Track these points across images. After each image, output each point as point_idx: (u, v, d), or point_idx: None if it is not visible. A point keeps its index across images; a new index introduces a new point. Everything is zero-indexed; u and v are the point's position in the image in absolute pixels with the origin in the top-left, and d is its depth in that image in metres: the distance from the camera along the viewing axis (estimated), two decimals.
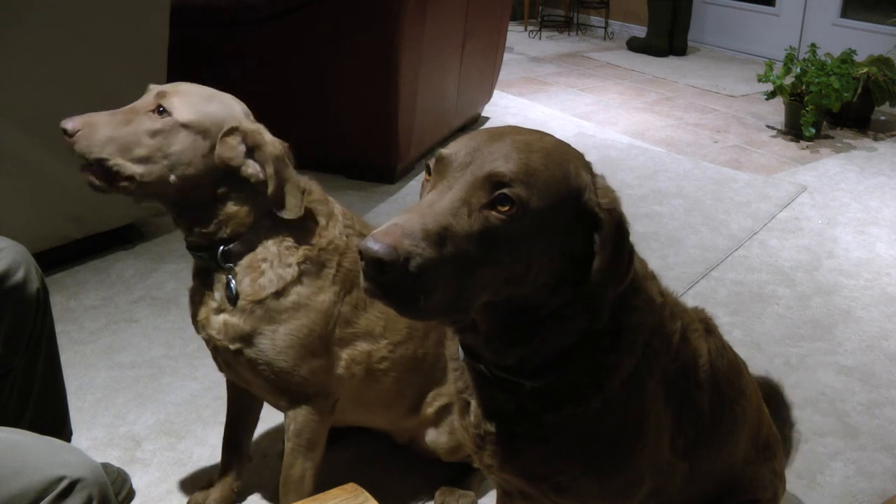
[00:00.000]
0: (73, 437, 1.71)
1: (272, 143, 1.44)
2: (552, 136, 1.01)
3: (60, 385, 1.63)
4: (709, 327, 1.27)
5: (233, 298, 1.46)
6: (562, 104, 5.03)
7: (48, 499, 1.03)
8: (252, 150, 1.43)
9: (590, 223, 0.96)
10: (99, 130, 1.39)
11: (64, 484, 1.04)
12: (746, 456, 1.38)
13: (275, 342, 1.47)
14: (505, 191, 0.89)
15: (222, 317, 1.48)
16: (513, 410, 1.08)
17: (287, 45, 3.46)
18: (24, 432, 1.16)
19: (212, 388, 2.15)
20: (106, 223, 2.79)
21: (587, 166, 1.00)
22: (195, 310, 1.54)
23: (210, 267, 1.48)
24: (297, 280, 1.47)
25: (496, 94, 4.72)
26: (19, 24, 2.31)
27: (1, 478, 1.02)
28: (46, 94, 2.42)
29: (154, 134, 1.40)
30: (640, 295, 1.08)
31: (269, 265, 1.46)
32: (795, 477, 1.89)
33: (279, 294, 1.46)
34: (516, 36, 6.92)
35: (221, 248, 1.45)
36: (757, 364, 1.94)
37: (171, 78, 2.75)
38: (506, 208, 0.89)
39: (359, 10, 3.29)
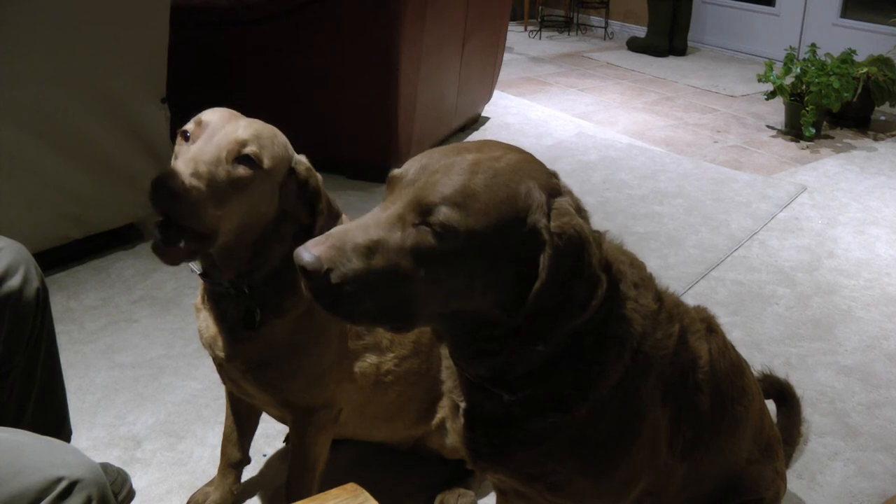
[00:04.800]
0: (73, 437, 1.71)
1: (316, 175, 1.38)
2: (516, 153, 0.99)
3: (60, 385, 1.63)
4: (711, 327, 1.27)
5: (252, 324, 1.39)
6: (562, 104, 5.03)
7: (47, 499, 1.02)
8: (302, 187, 1.36)
9: (536, 245, 0.93)
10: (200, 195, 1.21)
11: (63, 484, 1.04)
12: (749, 455, 1.38)
13: (290, 363, 1.43)
14: (437, 210, 0.90)
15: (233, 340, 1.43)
16: (499, 415, 1.08)
17: (287, 45, 3.46)
18: (24, 432, 1.16)
19: (212, 388, 2.15)
20: (106, 223, 2.79)
21: (548, 186, 0.96)
22: (203, 326, 1.48)
23: (228, 293, 1.40)
24: None
25: (496, 94, 4.72)
26: (19, 25, 2.31)
27: (0, 478, 1.02)
28: (46, 94, 2.42)
29: (238, 185, 1.26)
30: (628, 304, 1.07)
31: (293, 289, 1.39)
32: (795, 477, 1.89)
33: (301, 318, 1.42)
34: (516, 36, 6.93)
35: (246, 276, 1.38)
36: (757, 364, 1.94)
37: (171, 77, 2.78)
38: (438, 227, 0.90)
39: (359, 10, 3.29)
